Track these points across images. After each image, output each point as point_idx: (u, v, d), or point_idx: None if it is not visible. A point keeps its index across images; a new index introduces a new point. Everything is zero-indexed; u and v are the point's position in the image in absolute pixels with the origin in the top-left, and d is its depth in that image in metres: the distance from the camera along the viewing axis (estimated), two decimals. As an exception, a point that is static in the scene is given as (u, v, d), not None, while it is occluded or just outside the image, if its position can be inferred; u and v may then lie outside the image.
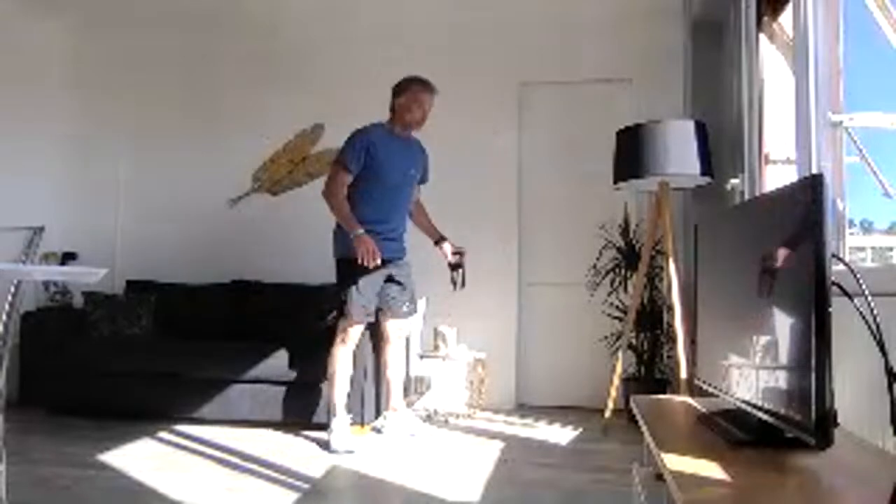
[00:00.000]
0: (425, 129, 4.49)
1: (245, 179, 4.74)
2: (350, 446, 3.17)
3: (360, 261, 3.08)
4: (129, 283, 4.54)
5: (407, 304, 3.45)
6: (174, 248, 4.74)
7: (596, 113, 4.39)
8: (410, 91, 3.32)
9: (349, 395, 3.34)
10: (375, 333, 3.50)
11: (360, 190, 3.25)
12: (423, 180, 3.57)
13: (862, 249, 2.75)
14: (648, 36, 4.30)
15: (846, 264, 1.22)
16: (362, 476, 2.84)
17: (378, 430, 3.51)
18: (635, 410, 1.75)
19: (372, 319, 3.33)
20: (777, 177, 2.93)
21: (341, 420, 3.24)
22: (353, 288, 3.19)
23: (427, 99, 3.34)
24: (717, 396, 1.67)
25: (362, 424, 3.50)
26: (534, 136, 4.52)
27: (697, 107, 3.79)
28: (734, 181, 3.12)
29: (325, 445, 3.21)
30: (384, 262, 3.21)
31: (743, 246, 1.53)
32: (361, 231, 3.11)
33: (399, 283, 3.39)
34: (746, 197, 2.97)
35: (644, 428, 1.54)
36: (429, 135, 4.48)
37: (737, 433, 1.34)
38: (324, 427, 3.49)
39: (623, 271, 4.10)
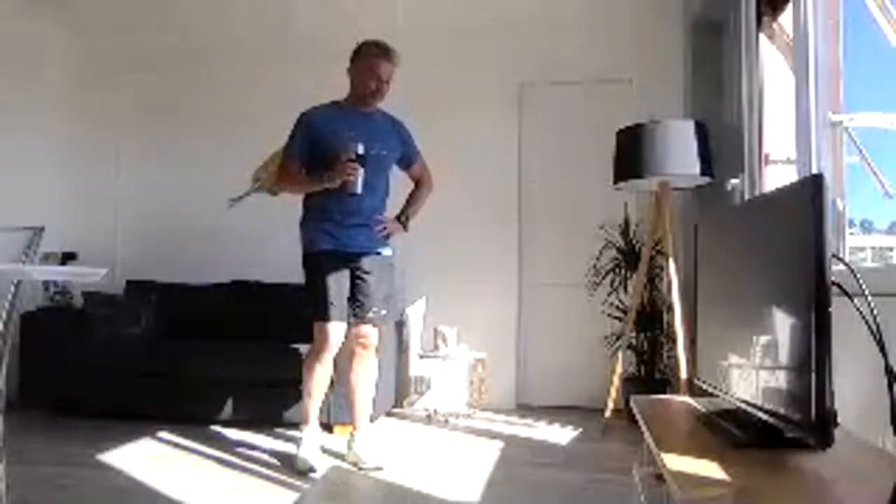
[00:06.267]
0: (425, 130, 4.51)
1: (245, 179, 4.74)
2: (314, 463, 2.83)
3: (342, 183, 2.73)
4: (129, 283, 4.54)
5: (374, 307, 2.91)
6: (174, 248, 4.74)
7: (596, 113, 4.39)
8: (364, 60, 2.85)
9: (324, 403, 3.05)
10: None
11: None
12: (407, 158, 3.09)
13: (862, 249, 2.75)
14: (648, 36, 4.30)
15: (846, 264, 1.22)
16: (362, 476, 2.84)
17: (343, 458, 3.02)
18: (635, 410, 1.75)
19: (344, 322, 2.90)
20: (777, 177, 2.93)
21: (309, 432, 2.95)
22: (323, 284, 2.82)
23: (385, 68, 2.85)
24: (717, 396, 1.66)
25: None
26: (534, 136, 4.52)
27: (697, 107, 3.79)
28: (734, 181, 3.12)
29: (293, 459, 2.90)
30: (349, 256, 2.87)
31: (743, 246, 1.53)
32: (326, 174, 2.77)
33: (367, 281, 2.91)
34: (746, 197, 2.97)
35: (644, 428, 1.54)
36: (429, 135, 4.50)
37: (737, 433, 1.34)
38: (323, 426, 3.50)
39: (623, 271, 4.10)
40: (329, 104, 2.98)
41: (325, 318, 2.83)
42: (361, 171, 2.76)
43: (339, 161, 2.74)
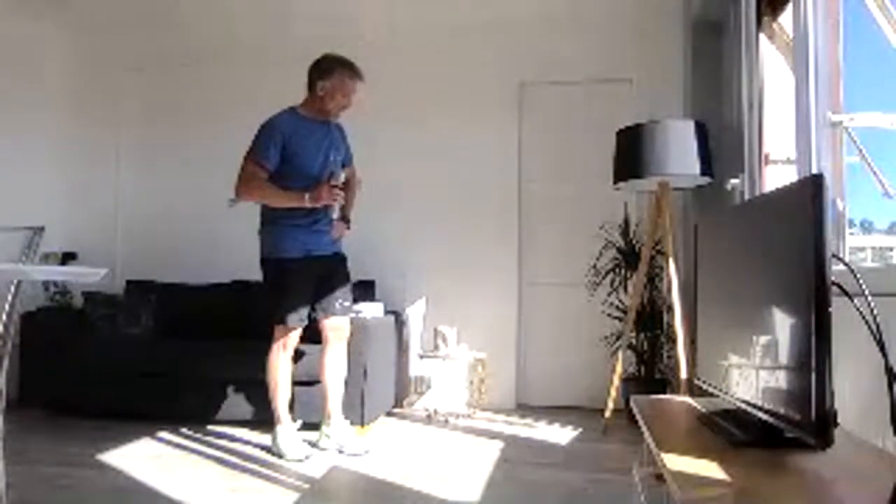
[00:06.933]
0: (425, 131, 4.52)
1: (245, 179, 4.73)
2: (304, 453, 3.03)
3: (326, 204, 2.95)
4: (129, 283, 4.54)
5: (340, 301, 3.14)
6: (174, 248, 4.74)
7: (596, 113, 4.39)
8: (338, 76, 3.00)
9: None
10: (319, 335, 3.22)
11: (279, 185, 3.00)
12: (347, 160, 3.24)
13: (862, 249, 2.75)
14: (648, 36, 4.30)
15: (846, 264, 1.22)
16: (362, 476, 2.84)
17: (314, 444, 3.17)
18: (635, 410, 1.75)
19: (306, 323, 3.09)
20: (777, 177, 2.93)
21: (287, 427, 3.10)
22: (286, 291, 3.01)
23: (355, 88, 3.04)
24: (717, 396, 1.66)
25: (362, 425, 3.50)
26: (534, 136, 4.52)
27: (697, 107, 3.79)
28: (734, 181, 3.12)
29: (276, 454, 3.06)
30: (315, 260, 3.05)
31: (743, 246, 1.53)
32: (307, 194, 2.92)
33: (331, 279, 3.13)
34: (746, 197, 2.97)
35: (644, 428, 1.54)
36: (429, 135, 4.51)
37: (737, 433, 1.34)
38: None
39: (623, 271, 4.10)
40: (289, 112, 3.06)
41: (287, 322, 3.02)
42: (342, 196, 3.02)
43: (325, 185, 2.95)
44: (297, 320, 3.04)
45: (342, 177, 3.01)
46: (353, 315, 3.36)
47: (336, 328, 3.15)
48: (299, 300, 3.03)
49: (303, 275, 3.03)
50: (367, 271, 4.06)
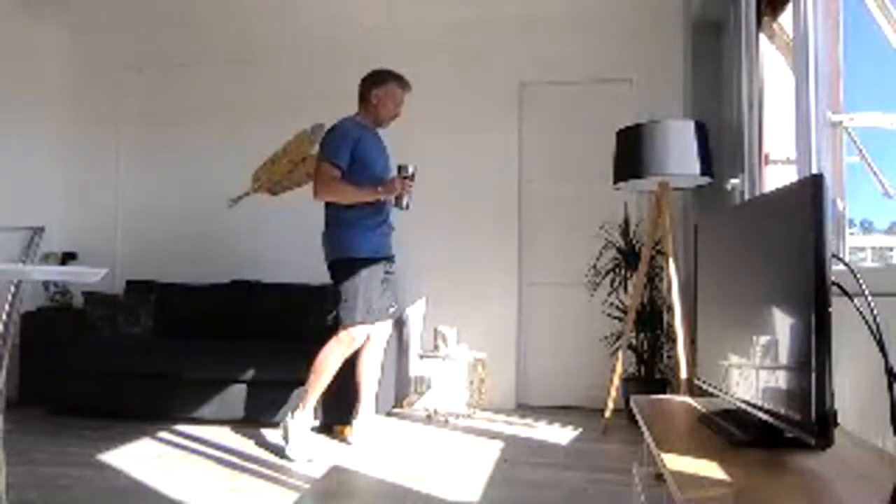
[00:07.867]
0: (425, 131, 4.52)
1: (245, 179, 4.74)
2: (308, 455, 3.00)
3: (399, 198, 3.08)
4: (129, 283, 4.54)
5: (392, 304, 3.29)
6: (174, 248, 4.74)
7: (596, 113, 4.39)
8: (390, 86, 3.22)
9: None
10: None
11: None
12: None
13: (862, 249, 2.75)
14: (648, 36, 4.30)
15: (846, 264, 1.22)
16: (362, 476, 2.84)
17: (348, 442, 3.28)
18: (635, 410, 1.75)
19: (381, 320, 3.19)
20: (777, 177, 2.93)
21: (305, 417, 3.07)
22: (361, 291, 3.06)
23: (404, 98, 3.27)
24: (717, 396, 1.66)
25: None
26: (534, 136, 4.52)
27: (697, 107, 3.79)
28: (734, 181, 3.12)
29: (279, 451, 3.05)
30: (380, 261, 3.17)
31: (743, 246, 1.53)
32: (380, 188, 3.07)
33: (390, 282, 3.26)
34: (746, 197, 2.97)
35: (644, 428, 1.54)
36: (429, 135, 4.51)
37: (737, 433, 1.34)
38: (322, 428, 3.49)
39: (623, 271, 4.10)
40: (352, 120, 3.20)
41: (367, 321, 3.09)
42: (411, 186, 3.10)
43: (397, 177, 3.08)
44: (375, 318, 3.13)
45: (411, 168, 3.10)
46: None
47: (385, 331, 3.30)
48: (373, 299, 3.11)
49: (374, 274, 3.12)
50: (367, 271, 4.05)
